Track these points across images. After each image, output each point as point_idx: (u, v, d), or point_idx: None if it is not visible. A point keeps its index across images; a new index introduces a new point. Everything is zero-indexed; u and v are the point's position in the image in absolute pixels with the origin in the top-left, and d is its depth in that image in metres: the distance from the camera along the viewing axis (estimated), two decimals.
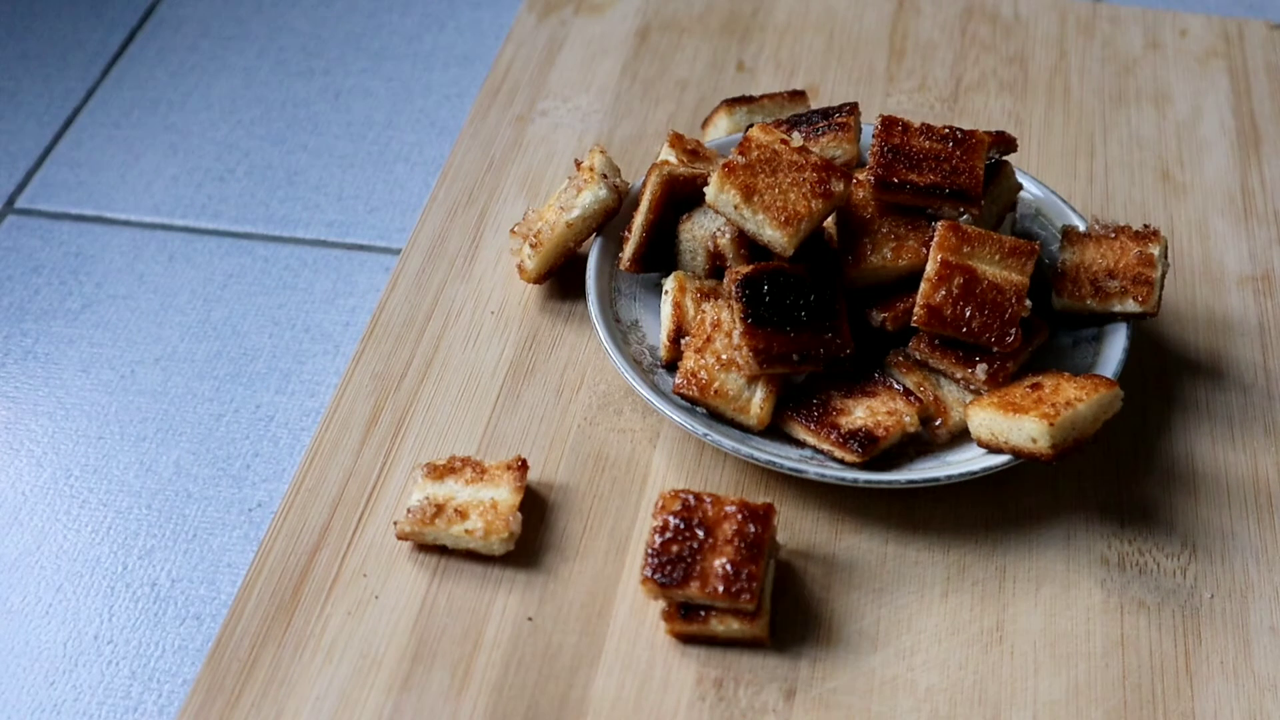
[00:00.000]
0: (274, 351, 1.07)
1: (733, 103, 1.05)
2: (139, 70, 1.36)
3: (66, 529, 0.95)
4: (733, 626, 0.77)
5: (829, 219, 0.89)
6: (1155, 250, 0.91)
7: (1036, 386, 0.83)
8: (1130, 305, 0.90)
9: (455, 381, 0.94)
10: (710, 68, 1.21)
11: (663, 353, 0.90)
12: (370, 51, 1.38)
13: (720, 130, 1.05)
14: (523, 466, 0.85)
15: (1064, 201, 0.99)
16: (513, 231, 0.98)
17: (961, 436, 0.86)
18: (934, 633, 0.81)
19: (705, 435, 0.84)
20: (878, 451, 0.84)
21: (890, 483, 0.83)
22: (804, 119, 0.97)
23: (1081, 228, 0.94)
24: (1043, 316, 0.91)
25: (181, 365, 1.06)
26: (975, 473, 0.83)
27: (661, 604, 0.79)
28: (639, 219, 0.92)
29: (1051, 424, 0.79)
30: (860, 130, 0.96)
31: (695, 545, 0.77)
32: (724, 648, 0.79)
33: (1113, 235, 0.93)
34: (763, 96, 1.05)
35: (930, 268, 0.85)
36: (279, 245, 1.17)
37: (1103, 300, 0.90)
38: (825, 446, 0.84)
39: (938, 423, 0.86)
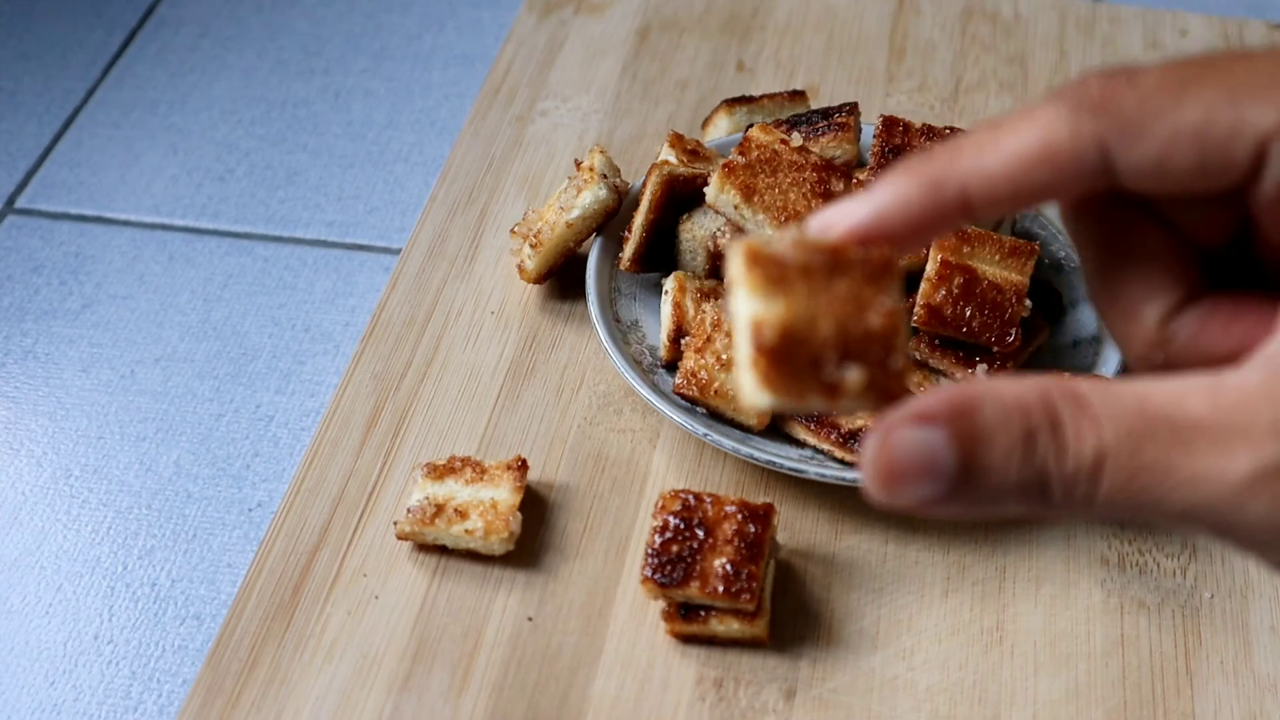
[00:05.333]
0: (274, 351, 1.07)
1: (733, 103, 1.05)
2: (139, 70, 1.36)
3: (66, 529, 0.95)
4: (733, 626, 0.77)
5: None
6: None
7: None
8: None
9: (455, 381, 0.94)
10: (710, 68, 1.21)
11: (663, 353, 0.90)
12: (370, 51, 1.38)
13: (720, 130, 1.05)
14: (523, 466, 0.85)
15: None
16: (513, 231, 0.98)
17: None
18: (934, 633, 0.81)
19: (705, 435, 0.84)
20: None
21: None
22: (804, 119, 0.97)
23: None
24: (1043, 316, 0.91)
25: (181, 365, 1.06)
26: None
27: (661, 604, 0.79)
28: (639, 219, 0.92)
29: None
30: (860, 130, 0.96)
31: (695, 545, 0.77)
32: (724, 648, 0.79)
33: None
34: (763, 96, 1.05)
35: (930, 268, 0.85)
36: (279, 245, 1.17)
37: None
38: (825, 446, 0.84)
39: None
